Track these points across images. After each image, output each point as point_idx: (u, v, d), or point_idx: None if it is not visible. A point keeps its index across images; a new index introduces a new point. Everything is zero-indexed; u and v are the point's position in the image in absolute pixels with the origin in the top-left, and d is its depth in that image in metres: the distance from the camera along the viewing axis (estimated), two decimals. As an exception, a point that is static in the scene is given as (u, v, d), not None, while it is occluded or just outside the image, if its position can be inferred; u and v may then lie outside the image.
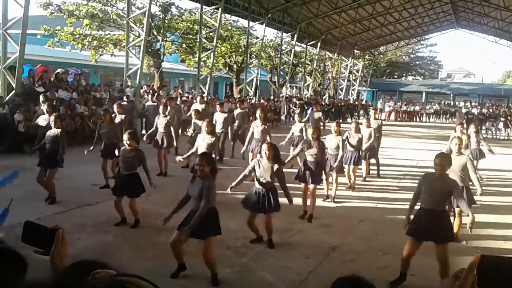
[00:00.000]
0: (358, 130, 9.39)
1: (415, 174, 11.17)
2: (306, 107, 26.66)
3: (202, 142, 7.90)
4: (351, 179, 9.33)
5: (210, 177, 4.65)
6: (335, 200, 8.10)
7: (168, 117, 10.09)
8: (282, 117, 25.49)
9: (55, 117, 7.57)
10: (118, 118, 9.84)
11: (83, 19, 19.25)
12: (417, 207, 4.92)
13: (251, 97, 24.02)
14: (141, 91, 17.18)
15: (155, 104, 14.48)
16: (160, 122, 10.07)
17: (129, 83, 16.83)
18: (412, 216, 4.88)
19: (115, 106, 10.41)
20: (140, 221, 6.34)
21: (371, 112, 11.36)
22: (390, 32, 36.86)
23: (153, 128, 10.23)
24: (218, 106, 12.10)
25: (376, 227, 6.79)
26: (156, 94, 17.21)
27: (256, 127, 9.74)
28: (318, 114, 13.27)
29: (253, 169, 5.74)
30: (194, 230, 4.46)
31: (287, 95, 30.25)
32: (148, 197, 7.67)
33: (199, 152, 7.85)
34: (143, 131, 15.72)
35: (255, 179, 5.71)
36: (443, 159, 4.75)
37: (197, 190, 4.59)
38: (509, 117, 24.80)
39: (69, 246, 1.58)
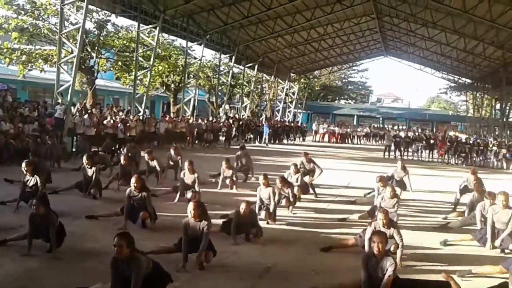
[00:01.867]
0: (297, 171, 10.19)
1: (346, 195, 11.58)
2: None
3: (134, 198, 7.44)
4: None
5: (133, 258, 4.38)
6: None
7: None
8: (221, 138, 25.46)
9: None
10: None
11: (11, 33, 18.43)
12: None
13: (189, 117, 23.91)
14: (73, 109, 16.59)
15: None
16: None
17: (59, 100, 16.21)
18: None
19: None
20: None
21: (302, 158, 11.50)
22: (324, 57, 38.36)
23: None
24: (146, 155, 11.31)
25: (309, 247, 6.93)
26: (88, 111, 16.71)
27: (185, 176, 9.46)
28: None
29: (186, 228, 5.70)
30: None
31: (230, 115, 30.22)
32: (77, 220, 7.41)
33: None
34: (73, 149, 15.18)
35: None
36: (381, 236, 4.87)
37: (126, 274, 4.30)
38: (432, 140, 26.41)
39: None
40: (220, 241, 6.50)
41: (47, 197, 6.36)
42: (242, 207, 6.93)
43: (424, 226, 8.81)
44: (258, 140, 28.15)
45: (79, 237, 6.55)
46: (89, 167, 9.27)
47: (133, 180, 7.31)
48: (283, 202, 9.12)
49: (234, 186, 11.06)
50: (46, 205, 6.01)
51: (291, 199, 9.21)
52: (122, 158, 10.37)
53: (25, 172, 7.91)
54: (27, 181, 7.88)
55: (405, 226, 7.98)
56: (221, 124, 25.55)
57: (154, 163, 11.13)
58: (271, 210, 8.16)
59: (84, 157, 9.49)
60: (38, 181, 7.81)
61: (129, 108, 22.51)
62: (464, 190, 10.43)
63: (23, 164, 7.95)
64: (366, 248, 6.18)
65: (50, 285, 4.93)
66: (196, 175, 9.37)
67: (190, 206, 5.72)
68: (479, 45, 26.30)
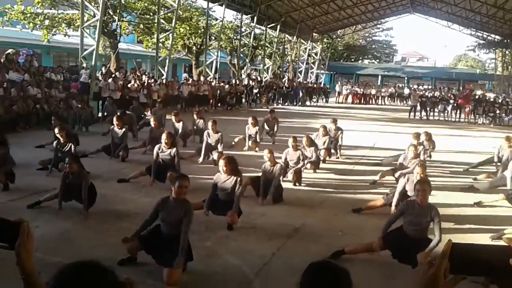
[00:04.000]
0: (325, 134, 10.17)
1: (372, 156, 11.51)
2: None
3: (162, 155, 7.56)
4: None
5: (186, 201, 4.52)
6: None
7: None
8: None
9: None
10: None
11: (34, -3, 18.45)
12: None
13: (211, 80, 23.82)
14: (98, 73, 16.68)
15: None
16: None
17: (84, 65, 16.31)
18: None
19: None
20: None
21: (331, 124, 11.25)
22: (347, 15, 37.30)
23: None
24: (173, 116, 11.39)
25: (336, 208, 6.97)
26: (113, 75, 16.79)
27: (210, 136, 9.61)
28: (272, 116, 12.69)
29: (215, 184, 5.81)
30: (163, 258, 4.33)
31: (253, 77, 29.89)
32: (107, 182, 7.58)
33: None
34: (100, 114, 15.38)
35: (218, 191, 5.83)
36: (425, 185, 4.84)
37: (175, 215, 4.39)
38: (459, 100, 25.78)
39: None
40: (247, 202, 6.59)
41: (78, 156, 6.50)
42: (266, 154, 7.14)
43: (452, 187, 8.73)
44: (281, 101, 28.09)
45: (111, 199, 6.71)
46: (119, 127, 9.36)
47: (164, 136, 7.41)
48: (308, 166, 9.13)
49: (257, 148, 11.08)
50: (79, 163, 6.15)
51: (314, 163, 9.20)
52: (152, 120, 10.37)
53: (59, 137, 8.02)
54: (60, 147, 7.97)
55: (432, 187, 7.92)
56: (243, 86, 25.44)
57: (180, 125, 11.18)
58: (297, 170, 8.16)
59: (114, 118, 9.58)
60: (72, 148, 7.90)
61: (151, 73, 22.53)
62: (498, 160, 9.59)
63: (56, 130, 8.04)
64: (394, 202, 6.19)
65: (84, 246, 5.08)
66: (219, 134, 9.50)
67: (222, 162, 5.76)
68: (510, 0, 25.14)
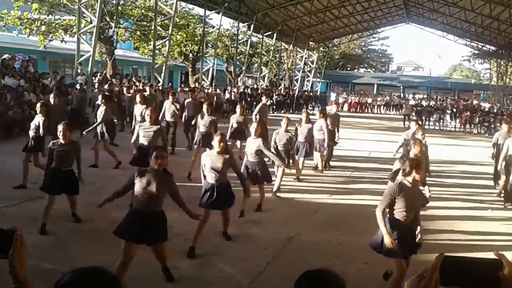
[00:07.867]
0: (308, 121, 9.48)
1: (367, 165, 11.52)
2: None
3: (144, 132, 7.18)
4: (300, 171, 9.46)
5: (167, 172, 4.37)
6: (277, 194, 7.97)
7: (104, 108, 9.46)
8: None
9: None
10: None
11: (31, 3, 18.41)
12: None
13: (207, 87, 23.82)
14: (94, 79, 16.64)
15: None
16: (99, 112, 9.52)
17: (78, 71, 16.28)
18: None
19: (51, 96, 9.60)
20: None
21: (334, 107, 11.30)
22: (344, 25, 37.48)
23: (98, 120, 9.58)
24: (170, 96, 11.73)
25: (331, 217, 6.96)
26: (109, 82, 16.76)
27: (203, 119, 9.39)
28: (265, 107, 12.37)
29: (204, 165, 5.47)
30: (146, 236, 4.27)
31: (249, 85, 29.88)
32: (101, 189, 7.52)
33: (141, 141, 7.18)
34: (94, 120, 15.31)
35: (208, 173, 5.44)
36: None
37: (155, 187, 4.22)
38: (454, 109, 25.94)
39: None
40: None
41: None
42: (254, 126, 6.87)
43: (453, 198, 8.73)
44: (276, 109, 28.11)
45: (105, 206, 6.63)
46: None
47: (147, 111, 7.36)
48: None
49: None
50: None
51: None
52: None
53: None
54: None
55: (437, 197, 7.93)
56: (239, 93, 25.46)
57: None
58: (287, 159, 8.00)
59: None
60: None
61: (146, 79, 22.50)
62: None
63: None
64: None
65: (78, 253, 5.05)
66: (214, 117, 9.38)
67: (217, 138, 5.44)
68: (505, 11, 25.35)
